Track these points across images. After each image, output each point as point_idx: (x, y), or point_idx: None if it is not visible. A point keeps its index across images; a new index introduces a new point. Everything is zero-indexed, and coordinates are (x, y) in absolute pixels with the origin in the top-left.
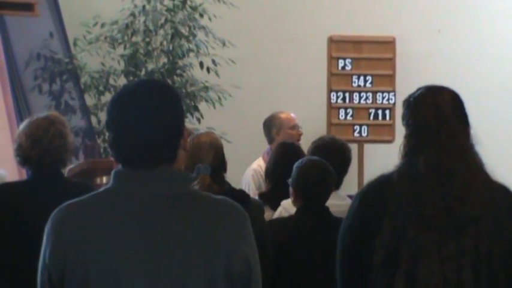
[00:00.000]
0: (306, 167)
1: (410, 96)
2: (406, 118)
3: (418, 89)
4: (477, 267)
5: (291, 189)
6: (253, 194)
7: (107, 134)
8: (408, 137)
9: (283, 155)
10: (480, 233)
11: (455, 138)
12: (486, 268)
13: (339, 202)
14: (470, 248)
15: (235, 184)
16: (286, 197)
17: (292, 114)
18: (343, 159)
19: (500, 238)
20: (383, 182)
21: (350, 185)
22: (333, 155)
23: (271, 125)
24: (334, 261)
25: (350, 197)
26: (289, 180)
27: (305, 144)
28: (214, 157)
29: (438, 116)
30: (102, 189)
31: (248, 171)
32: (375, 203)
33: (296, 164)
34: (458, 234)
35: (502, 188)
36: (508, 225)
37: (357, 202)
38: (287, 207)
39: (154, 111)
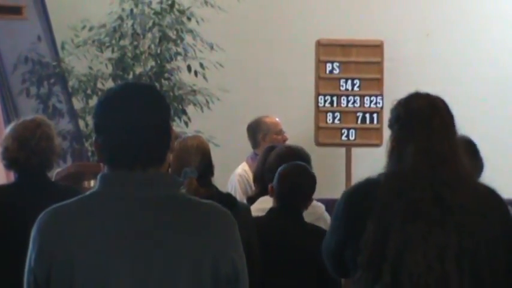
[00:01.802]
0: (287, 170)
1: (399, 99)
2: (396, 112)
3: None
4: (460, 260)
5: (270, 188)
6: (239, 198)
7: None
8: (398, 129)
9: None
10: (464, 224)
11: (446, 128)
12: (469, 264)
13: None
14: (454, 240)
15: (222, 188)
16: None
17: (277, 119)
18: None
19: (486, 237)
20: (369, 184)
21: (338, 189)
22: (291, 158)
23: (256, 130)
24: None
25: (335, 200)
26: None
27: None
28: (201, 161)
29: (431, 106)
30: (88, 192)
31: (233, 176)
32: (361, 203)
33: (280, 167)
34: (444, 223)
35: (486, 189)
36: (493, 224)
37: (343, 203)
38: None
39: (144, 112)
